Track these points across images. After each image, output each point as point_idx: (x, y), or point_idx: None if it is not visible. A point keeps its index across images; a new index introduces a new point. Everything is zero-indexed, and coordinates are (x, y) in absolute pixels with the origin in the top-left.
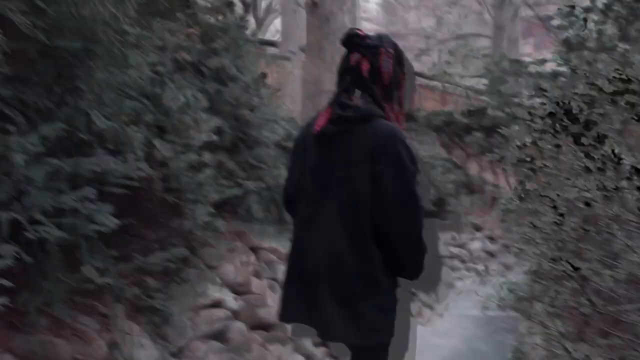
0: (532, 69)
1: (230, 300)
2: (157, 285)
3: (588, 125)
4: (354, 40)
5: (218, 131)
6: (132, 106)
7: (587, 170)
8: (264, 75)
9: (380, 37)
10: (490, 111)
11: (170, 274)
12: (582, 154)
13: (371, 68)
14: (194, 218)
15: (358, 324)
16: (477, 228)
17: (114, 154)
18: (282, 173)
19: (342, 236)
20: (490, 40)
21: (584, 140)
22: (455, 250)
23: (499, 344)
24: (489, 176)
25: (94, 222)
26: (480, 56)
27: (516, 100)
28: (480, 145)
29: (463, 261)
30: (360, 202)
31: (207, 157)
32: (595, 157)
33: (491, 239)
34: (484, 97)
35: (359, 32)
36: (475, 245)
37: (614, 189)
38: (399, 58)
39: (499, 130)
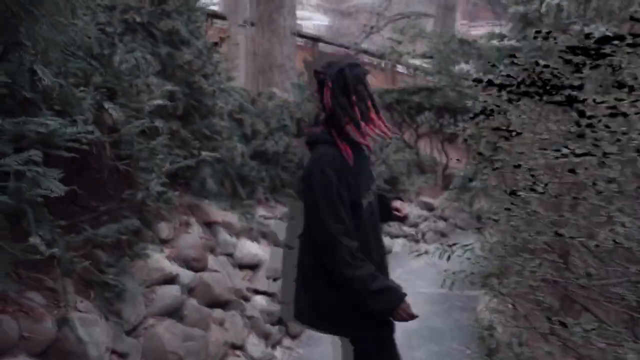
0: (489, 43)
1: (185, 276)
2: (108, 259)
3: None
4: (313, 76)
5: (170, 97)
6: (79, 66)
7: (578, 136)
8: (217, 44)
9: (327, 69)
10: (441, 90)
11: (122, 247)
12: (568, 119)
13: (321, 99)
14: (147, 188)
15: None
16: (429, 208)
17: (61, 115)
18: (236, 145)
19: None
20: (436, 20)
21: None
22: (407, 229)
23: (455, 322)
24: (439, 156)
25: (40, 187)
26: (429, 36)
27: (466, 79)
28: (431, 125)
29: (416, 241)
30: (304, 215)
31: (159, 123)
32: (583, 122)
33: (442, 218)
34: (432, 78)
35: (316, 68)
36: (427, 224)
37: (606, 154)
38: (343, 87)
39: (450, 109)
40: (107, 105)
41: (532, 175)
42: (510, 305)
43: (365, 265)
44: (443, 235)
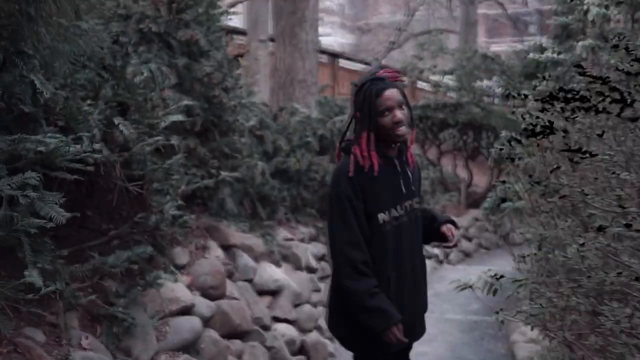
0: (531, 57)
1: (202, 305)
2: (118, 288)
3: None
4: None
5: (188, 112)
6: (88, 78)
7: None
8: (238, 56)
9: (358, 83)
10: (466, 106)
11: (133, 275)
12: None
13: None
14: (161, 211)
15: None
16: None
17: (65, 132)
18: (257, 163)
19: None
20: (458, 37)
21: None
22: (431, 250)
23: (488, 352)
24: (463, 174)
25: (38, 216)
26: (451, 52)
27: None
28: (454, 142)
29: (440, 261)
30: None
31: (175, 141)
32: None
33: (467, 238)
34: (453, 94)
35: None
36: None
37: None
38: (355, 102)
39: (476, 126)
40: (117, 120)
41: (622, 207)
42: (567, 348)
43: (365, 280)
44: (467, 255)
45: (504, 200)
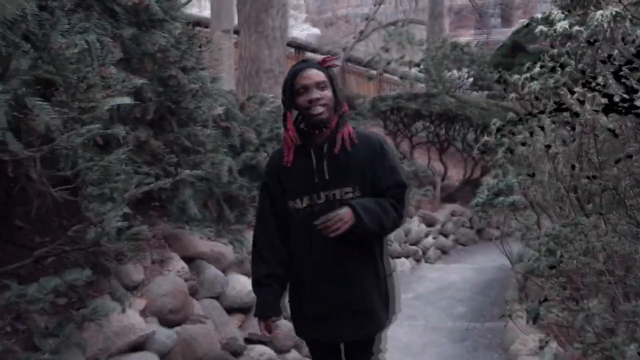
0: (543, 30)
1: (160, 335)
2: (46, 325)
3: None
4: None
5: (138, 96)
6: None
7: None
8: (195, 33)
9: None
10: (439, 97)
11: (67, 305)
12: None
13: None
14: (101, 223)
15: None
16: (430, 223)
17: None
18: (223, 159)
19: None
20: (425, 29)
21: None
22: (410, 247)
23: None
24: (436, 167)
25: None
26: (417, 42)
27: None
28: (428, 134)
29: (417, 260)
30: None
31: (120, 130)
32: None
33: (444, 234)
34: (422, 84)
35: None
36: (429, 241)
37: None
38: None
39: (450, 116)
40: (31, 102)
41: None
42: None
43: (261, 266)
44: (444, 252)
45: (497, 195)
